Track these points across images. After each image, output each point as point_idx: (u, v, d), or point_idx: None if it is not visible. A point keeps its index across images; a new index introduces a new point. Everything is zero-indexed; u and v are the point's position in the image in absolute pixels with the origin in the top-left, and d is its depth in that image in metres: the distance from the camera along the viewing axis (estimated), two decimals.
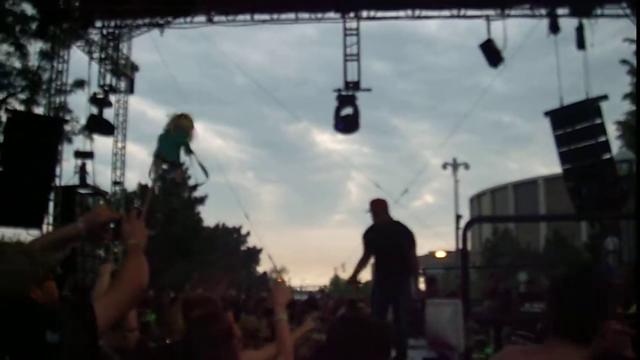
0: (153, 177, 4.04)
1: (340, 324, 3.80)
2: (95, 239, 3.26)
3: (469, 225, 6.64)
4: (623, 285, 8.83)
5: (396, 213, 10.44)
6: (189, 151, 4.24)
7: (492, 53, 17.66)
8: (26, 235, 18.03)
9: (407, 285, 9.89)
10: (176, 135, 4.22)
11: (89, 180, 20.34)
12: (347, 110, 17.95)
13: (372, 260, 9.93)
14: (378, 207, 9.81)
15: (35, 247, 3.01)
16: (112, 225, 3.25)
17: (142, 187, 45.60)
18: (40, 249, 3.02)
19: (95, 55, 21.15)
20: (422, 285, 18.89)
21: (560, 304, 2.80)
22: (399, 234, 9.61)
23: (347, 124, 17.98)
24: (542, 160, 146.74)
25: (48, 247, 3.09)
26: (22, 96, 25.00)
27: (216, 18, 19.38)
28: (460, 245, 7.11)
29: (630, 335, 7.38)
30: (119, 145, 22.69)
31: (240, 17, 19.29)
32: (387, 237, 9.54)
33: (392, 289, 9.46)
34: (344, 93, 17.93)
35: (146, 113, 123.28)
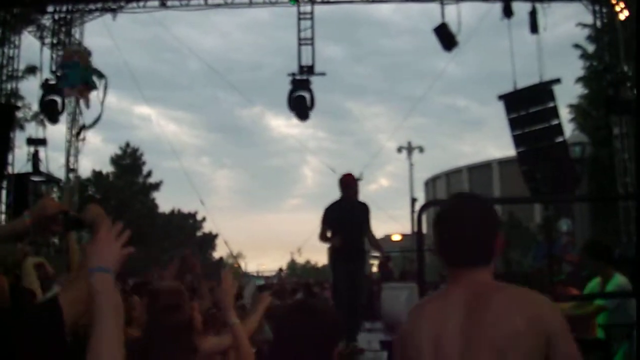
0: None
1: (287, 313, 3.79)
2: (43, 233, 3.18)
3: (424, 208, 6.65)
4: (576, 268, 8.96)
5: None
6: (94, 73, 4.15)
7: (446, 37, 17.71)
8: None
9: (364, 265, 10.11)
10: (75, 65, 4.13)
11: (42, 168, 20.11)
12: (301, 94, 17.91)
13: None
14: (352, 182, 9.73)
15: None
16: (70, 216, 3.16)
17: (97, 174, 45.33)
18: None
19: (47, 40, 20.85)
20: (374, 268, 18.97)
21: (442, 234, 2.86)
22: (364, 213, 9.59)
23: (301, 109, 17.95)
24: (496, 143, 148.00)
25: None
26: None
27: (170, 2, 19.22)
28: (416, 228, 7.12)
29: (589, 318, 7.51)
30: (73, 131, 22.46)
31: (194, 1, 19.16)
32: (352, 214, 9.44)
33: (351, 267, 9.36)
34: (298, 77, 17.90)
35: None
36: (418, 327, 2.78)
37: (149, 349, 3.88)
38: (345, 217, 9.40)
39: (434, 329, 2.69)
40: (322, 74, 18.16)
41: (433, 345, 2.67)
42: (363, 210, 9.64)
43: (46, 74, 20.11)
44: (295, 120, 18.22)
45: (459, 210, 2.87)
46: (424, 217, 6.26)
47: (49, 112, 19.45)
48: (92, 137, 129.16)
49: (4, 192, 18.50)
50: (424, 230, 6.36)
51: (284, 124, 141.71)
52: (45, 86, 19.37)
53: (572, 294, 8.21)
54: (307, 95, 17.92)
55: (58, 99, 19.27)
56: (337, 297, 9.68)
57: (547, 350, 2.55)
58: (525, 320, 2.55)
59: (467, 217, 2.80)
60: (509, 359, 2.51)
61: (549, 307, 2.66)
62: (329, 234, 9.52)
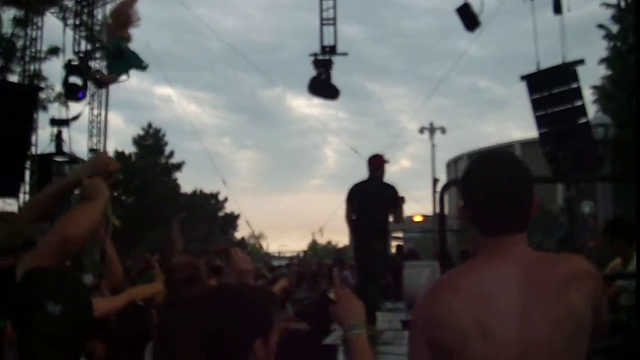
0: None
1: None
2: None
3: (446, 187, 6.69)
4: (598, 248, 8.93)
5: None
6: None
7: (469, 17, 17.60)
8: (2, 204, 18.00)
9: (385, 249, 10.05)
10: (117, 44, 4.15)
11: (66, 149, 20.21)
12: (323, 76, 17.91)
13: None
14: (380, 163, 9.57)
15: (30, 212, 3.01)
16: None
17: (119, 154, 45.49)
18: (38, 201, 3.02)
19: (70, 22, 20.94)
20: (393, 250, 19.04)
21: (474, 199, 2.58)
22: (390, 194, 9.38)
23: (325, 89, 17.95)
24: (518, 125, 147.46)
25: (50, 197, 3.10)
26: None
27: None
28: (438, 209, 7.15)
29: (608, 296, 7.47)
30: (95, 112, 22.58)
31: None
32: (378, 195, 9.29)
33: (371, 253, 9.28)
34: (320, 58, 17.88)
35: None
36: (448, 308, 2.43)
37: (168, 322, 3.92)
38: (371, 197, 9.28)
39: (479, 308, 2.39)
40: (345, 54, 18.13)
41: (480, 328, 2.36)
42: (389, 192, 9.41)
43: (69, 55, 20.23)
44: (316, 101, 18.27)
45: (493, 169, 2.56)
46: (446, 197, 6.30)
47: (73, 93, 19.55)
48: (114, 118, 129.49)
49: (27, 173, 18.61)
50: (446, 211, 6.39)
51: (305, 105, 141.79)
52: (69, 67, 19.44)
53: None
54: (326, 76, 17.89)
55: (80, 81, 19.40)
56: (360, 277, 9.83)
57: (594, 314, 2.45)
58: (581, 293, 2.40)
59: (506, 178, 2.51)
60: (567, 334, 2.35)
61: (598, 277, 2.55)
62: (354, 216, 9.43)
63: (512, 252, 2.48)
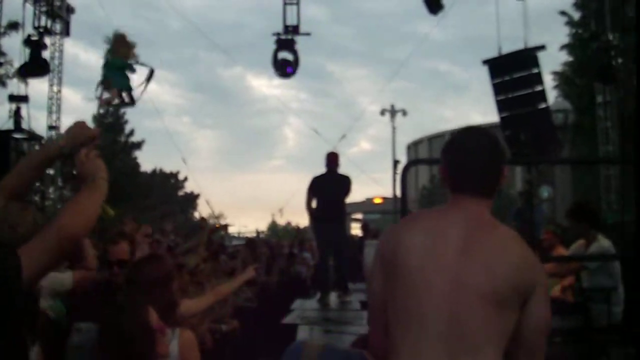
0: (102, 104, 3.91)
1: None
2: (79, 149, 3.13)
3: (408, 166, 6.70)
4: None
5: None
6: (130, 69, 4.14)
7: (432, 0, 17.62)
8: None
9: (344, 228, 11.66)
10: (115, 62, 4.14)
11: (24, 125, 19.97)
12: (286, 55, 17.85)
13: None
14: (335, 159, 11.28)
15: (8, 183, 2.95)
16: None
17: None
18: (22, 172, 2.97)
19: None
20: (357, 231, 19.13)
21: (450, 161, 2.92)
22: (340, 184, 11.14)
23: (286, 68, 17.89)
24: (478, 109, 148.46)
25: (31, 169, 3.05)
26: None
27: None
28: (399, 189, 7.17)
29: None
30: (55, 89, 22.31)
31: None
32: (333, 185, 11.05)
33: (332, 232, 10.90)
34: (283, 37, 17.78)
35: (80, 56, 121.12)
36: (409, 232, 2.81)
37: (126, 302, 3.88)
38: (328, 187, 11.00)
39: (429, 235, 2.73)
40: (307, 34, 18.02)
41: (424, 249, 2.70)
42: (344, 180, 11.17)
43: (28, 29, 19.92)
44: (276, 81, 18.34)
45: (471, 139, 2.91)
46: (407, 177, 6.31)
47: (35, 68, 19.31)
48: (71, 95, 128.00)
49: None
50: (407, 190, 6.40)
51: (265, 84, 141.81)
52: (28, 42, 19.17)
53: (557, 254, 8.34)
54: (291, 56, 17.84)
55: (42, 56, 19.17)
56: (321, 255, 11.56)
57: (521, 303, 2.61)
58: (522, 262, 2.63)
59: (479, 145, 2.86)
60: (489, 300, 2.56)
61: (537, 261, 2.73)
62: (313, 204, 11.04)
63: (470, 210, 2.80)
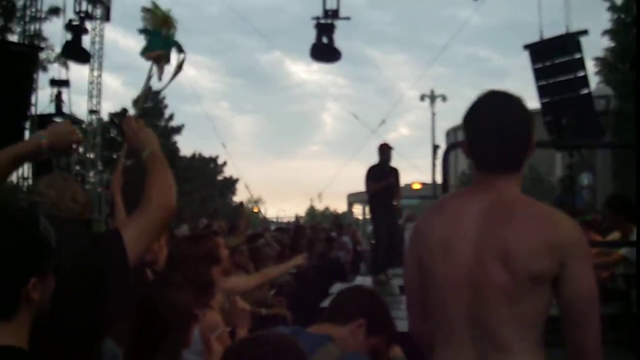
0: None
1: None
2: (59, 153, 3.10)
3: (449, 149, 6.67)
4: (599, 221, 8.97)
5: (373, 143, 12.23)
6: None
7: None
8: None
9: (396, 213, 12.70)
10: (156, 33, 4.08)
11: (65, 109, 20.18)
12: (325, 40, 17.81)
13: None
14: (387, 149, 12.21)
15: None
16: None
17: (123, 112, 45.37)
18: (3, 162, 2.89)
19: None
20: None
21: (471, 133, 2.76)
22: (394, 174, 12.09)
23: (327, 53, 17.84)
24: (519, 95, 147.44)
25: (5, 163, 2.92)
26: None
27: None
28: (439, 174, 7.15)
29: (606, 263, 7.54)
30: (95, 73, 22.55)
31: None
32: (387, 175, 11.83)
33: (388, 216, 12.04)
34: (322, 21, 17.72)
35: (119, 42, 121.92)
36: (432, 225, 2.74)
37: (167, 279, 3.90)
38: (384, 177, 11.79)
39: (447, 228, 2.65)
40: (347, 18, 17.94)
41: (443, 246, 2.63)
42: (395, 173, 12.13)
43: (70, 14, 20.08)
44: (315, 66, 18.26)
45: (492, 107, 2.72)
46: (449, 160, 6.29)
47: (76, 52, 19.48)
48: (112, 81, 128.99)
49: (27, 133, 18.55)
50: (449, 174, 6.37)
51: (304, 70, 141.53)
52: (69, 27, 19.34)
53: (596, 239, 8.24)
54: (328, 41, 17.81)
55: (82, 43, 19.35)
56: (377, 239, 12.29)
57: (560, 274, 2.49)
58: (543, 243, 2.47)
59: (500, 114, 2.67)
60: (517, 277, 2.46)
61: (573, 232, 2.54)
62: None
63: (495, 187, 2.65)
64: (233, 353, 2.14)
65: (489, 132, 2.66)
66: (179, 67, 3.71)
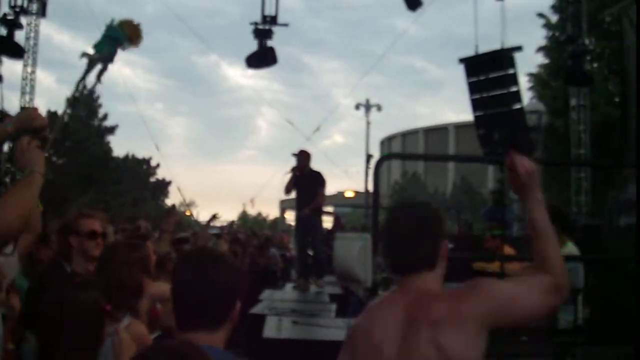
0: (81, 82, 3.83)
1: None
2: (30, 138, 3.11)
3: (382, 160, 6.74)
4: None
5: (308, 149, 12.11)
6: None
7: None
8: None
9: (318, 222, 11.95)
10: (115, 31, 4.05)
11: None
12: (263, 44, 17.74)
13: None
14: (305, 157, 11.64)
15: None
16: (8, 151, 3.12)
17: (52, 115, 44.69)
18: None
19: None
20: (328, 224, 19.23)
21: (383, 244, 2.98)
22: (315, 180, 11.48)
23: (263, 59, 17.78)
24: (452, 107, 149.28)
25: None
26: None
27: None
28: (371, 183, 7.19)
29: None
30: (29, 70, 22.06)
31: None
32: (306, 182, 11.37)
33: (308, 226, 11.54)
34: (260, 27, 17.66)
35: (53, 37, 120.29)
36: (366, 328, 2.85)
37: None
38: (300, 184, 11.47)
39: (379, 335, 2.75)
40: (285, 24, 17.88)
41: (374, 353, 2.73)
42: (315, 178, 11.52)
43: (5, 8, 19.70)
44: (251, 71, 18.02)
45: (399, 219, 2.91)
46: (380, 171, 6.33)
47: (9, 47, 19.13)
48: (45, 77, 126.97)
49: None
50: (380, 184, 6.42)
51: (240, 74, 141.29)
52: (4, 21, 18.97)
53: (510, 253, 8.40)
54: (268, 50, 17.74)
55: (15, 38, 19.01)
56: (298, 247, 12.28)
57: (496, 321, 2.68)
58: (455, 334, 2.60)
59: (406, 226, 2.84)
60: None
61: (486, 294, 2.69)
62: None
63: (410, 289, 2.79)
64: None
65: (397, 241, 2.87)
66: (98, 77, 3.71)
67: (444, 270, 2.85)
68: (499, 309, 2.65)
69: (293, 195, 11.73)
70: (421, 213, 2.90)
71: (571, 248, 7.48)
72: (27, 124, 3.03)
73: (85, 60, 6.02)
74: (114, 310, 3.32)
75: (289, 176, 11.56)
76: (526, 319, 2.81)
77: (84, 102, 38.36)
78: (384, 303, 2.95)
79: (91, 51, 5.13)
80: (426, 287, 2.77)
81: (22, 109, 22.00)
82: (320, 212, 11.96)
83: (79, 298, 3.05)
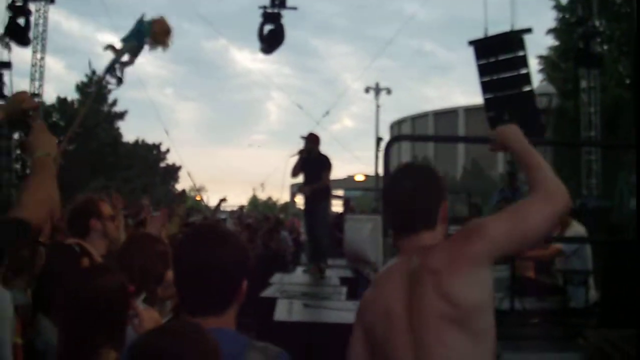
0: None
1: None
2: (15, 126, 3.12)
3: (391, 142, 6.69)
4: None
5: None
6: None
7: None
8: None
9: (323, 205, 11.46)
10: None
11: (6, 91, 19.80)
12: (270, 27, 17.66)
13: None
14: (314, 140, 11.38)
15: None
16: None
17: (61, 101, 44.74)
18: None
19: None
20: (339, 208, 19.24)
21: (385, 204, 3.05)
22: (322, 164, 11.22)
23: (271, 40, 17.73)
24: (461, 90, 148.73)
25: None
26: None
27: None
28: (381, 167, 7.18)
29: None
30: (38, 56, 22.05)
31: None
32: (313, 166, 11.13)
33: (311, 210, 11.41)
34: (269, 10, 17.60)
35: (62, 24, 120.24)
36: (374, 297, 2.86)
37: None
38: (307, 168, 11.25)
39: (386, 299, 2.76)
40: (294, 8, 17.83)
41: (385, 317, 2.74)
42: (322, 162, 11.27)
43: None
44: (260, 55, 17.93)
45: (398, 179, 2.94)
46: (390, 153, 6.31)
47: (17, 34, 19.14)
48: (54, 63, 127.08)
49: None
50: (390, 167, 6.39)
51: (249, 58, 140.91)
52: (12, 8, 18.98)
53: None
54: (277, 29, 17.67)
55: (24, 21, 19.01)
56: (308, 231, 11.91)
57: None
58: (455, 278, 2.60)
59: (406, 186, 2.86)
60: (459, 319, 2.58)
61: (481, 232, 2.66)
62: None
63: (411, 248, 2.79)
64: (138, 345, 2.11)
65: (398, 200, 2.89)
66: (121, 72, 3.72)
67: (445, 232, 2.85)
68: (499, 243, 2.64)
69: (301, 179, 11.56)
70: (420, 173, 2.93)
71: (578, 228, 7.49)
72: (17, 107, 3.01)
73: (109, 53, 6.00)
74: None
75: (295, 159, 11.33)
76: (531, 240, 2.75)
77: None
78: (387, 270, 2.97)
79: (118, 44, 5.14)
80: (425, 244, 2.78)
81: (34, 95, 22.09)
82: (326, 196, 11.74)
83: (106, 284, 3.02)
